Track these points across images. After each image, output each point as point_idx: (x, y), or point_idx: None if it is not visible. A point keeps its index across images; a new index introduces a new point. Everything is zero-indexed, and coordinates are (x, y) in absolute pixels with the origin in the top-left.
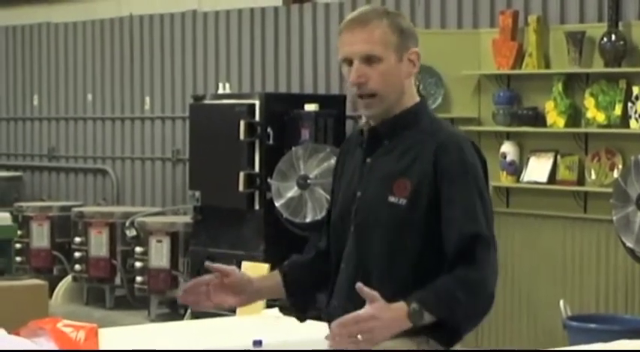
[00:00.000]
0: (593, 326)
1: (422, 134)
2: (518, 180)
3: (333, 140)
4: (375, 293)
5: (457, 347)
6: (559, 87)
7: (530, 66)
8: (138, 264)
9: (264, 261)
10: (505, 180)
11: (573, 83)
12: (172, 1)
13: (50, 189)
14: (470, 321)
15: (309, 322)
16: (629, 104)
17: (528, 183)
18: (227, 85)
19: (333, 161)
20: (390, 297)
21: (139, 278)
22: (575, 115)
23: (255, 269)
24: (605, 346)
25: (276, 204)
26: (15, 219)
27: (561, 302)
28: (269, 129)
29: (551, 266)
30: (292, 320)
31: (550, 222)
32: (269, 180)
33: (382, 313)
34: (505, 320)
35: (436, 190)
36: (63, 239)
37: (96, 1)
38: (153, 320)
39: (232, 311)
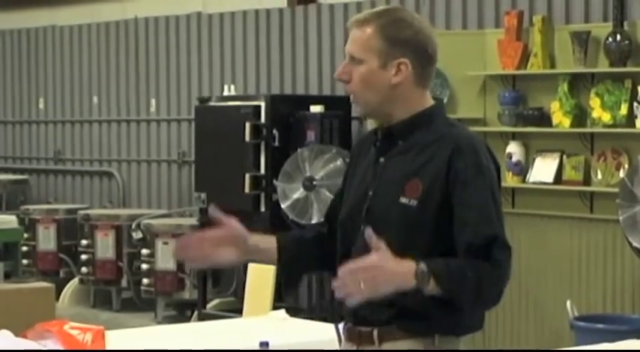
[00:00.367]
0: (599, 326)
1: (437, 136)
2: (524, 181)
3: (339, 141)
4: (382, 244)
5: (464, 347)
6: (564, 87)
7: (536, 66)
8: (144, 266)
9: None
10: (511, 180)
11: (579, 83)
12: (177, 3)
13: (56, 191)
14: (472, 306)
15: (316, 324)
16: (635, 104)
17: (534, 183)
18: (232, 87)
19: (338, 162)
20: (396, 295)
21: (145, 281)
22: (580, 115)
23: (260, 271)
24: (611, 346)
25: (282, 206)
26: (21, 222)
27: (568, 303)
28: (274, 131)
29: (557, 267)
30: (299, 322)
31: (556, 223)
32: (275, 181)
33: (387, 263)
34: (512, 321)
35: (447, 192)
36: (69, 241)
37: (101, 3)
38: (159, 322)
39: (236, 312)
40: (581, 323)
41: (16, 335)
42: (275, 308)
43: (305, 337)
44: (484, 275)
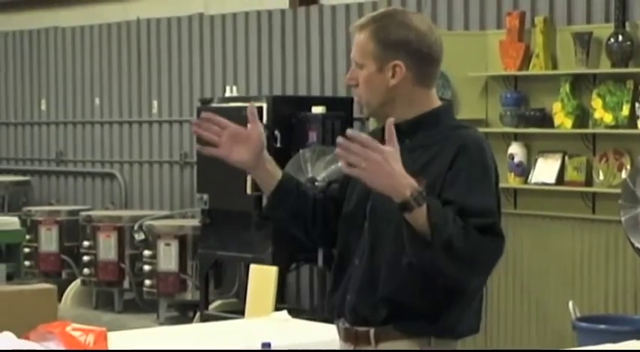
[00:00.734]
0: (602, 327)
1: (443, 136)
2: (526, 182)
3: None
4: (396, 142)
5: (466, 347)
6: (566, 88)
7: (538, 67)
8: (146, 268)
9: (273, 263)
10: (513, 181)
11: (580, 84)
12: (179, 4)
13: (58, 193)
14: (457, 261)
15: (318, 325)
16: (637, 104)
17: (536, 184)
18: (234, 88)
19: (340, 163)
20: (397, 294)
21: (147, 282)
22: (582, 116)
23: (263, 273)
24: (614, 347)
25: None
26: (23, 223)
27: (570, 303)
28: (276, 132)
29: (559, 268)
30: (301, 323)
31: (558, 223)
32: None
33: (396, 162)
34: (514, 321)
35: (445, 188)
36: (71, 243)
37: (103, 5)
38: (162, 324)
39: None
40: (584, 324)
41: (19, 336)
42: (277, 309)
43: (307, 338)
44: (475, 236)
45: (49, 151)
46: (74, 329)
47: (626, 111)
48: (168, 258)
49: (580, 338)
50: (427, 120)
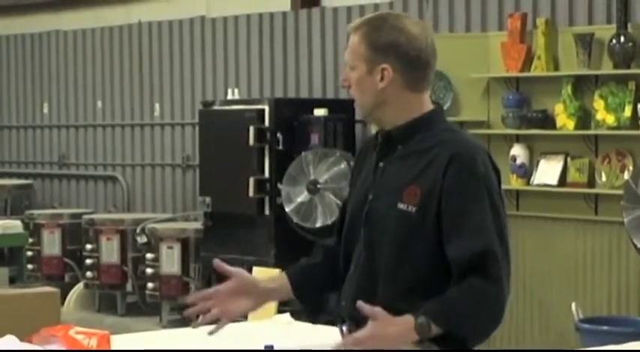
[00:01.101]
0: (605, 328)
1: (436, 141)
2: (528, 183)
3: (343, 144)
4: (377, 310)
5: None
6: (568, 89)
7: (539, 68)
8: (149, 271)
9: (275, 266)
10: (515, 183)
11: (582, 85)
12: (181, 7)
13: (61, 196)
14: (478, 334)
15: (321, 327)
16: (639, 105)
17: (538, 185)
18: (236, 91)
19: (342, 165)
20: (395, 301)
21: (150, 285)
22: (584, 117)
23: (266, 275)
24: (617, 348)
25: (287, 209)
26: (26, 226)
27: (573, 305)
28: (278, 135)
29: (562, 269)
30: (304, 326)
31: (561, 225)
32: (279, 185)
33: (386, 329)
34: (517, 323)
35: (441, 200)
36: (74, 246)
37: (105, 8)
38: (164, 327)
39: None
40: (587, 326)
41: (21, 339)
42: (280, 311)
43: (310, 341)
44: (484, 301)
45: (52, 154)
46: (77, 333)
47: (628, 112)
48: (170, 260)
49: (583, 340)
50: (419, 126)
